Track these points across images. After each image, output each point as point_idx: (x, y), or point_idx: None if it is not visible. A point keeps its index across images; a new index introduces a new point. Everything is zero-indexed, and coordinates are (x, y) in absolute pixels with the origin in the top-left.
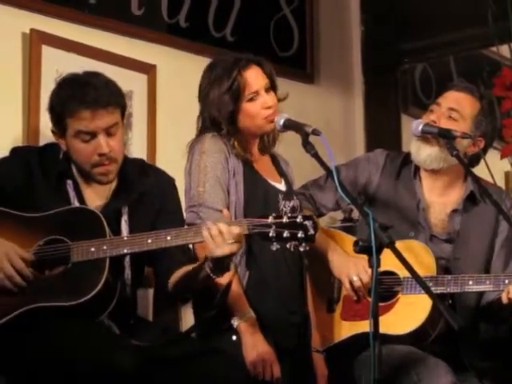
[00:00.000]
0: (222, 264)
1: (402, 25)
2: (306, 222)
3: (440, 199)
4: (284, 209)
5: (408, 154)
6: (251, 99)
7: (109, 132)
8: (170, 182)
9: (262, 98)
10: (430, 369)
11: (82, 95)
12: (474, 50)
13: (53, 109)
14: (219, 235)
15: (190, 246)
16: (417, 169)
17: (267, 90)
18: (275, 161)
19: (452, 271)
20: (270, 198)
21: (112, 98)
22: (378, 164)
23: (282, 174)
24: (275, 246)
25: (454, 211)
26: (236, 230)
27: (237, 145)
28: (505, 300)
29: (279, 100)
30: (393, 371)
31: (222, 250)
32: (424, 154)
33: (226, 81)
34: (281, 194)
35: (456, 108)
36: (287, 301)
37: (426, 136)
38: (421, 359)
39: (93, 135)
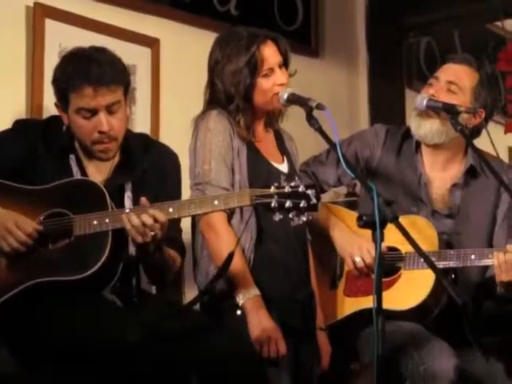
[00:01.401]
0: (146, 247)
1: None
2: (309, 192)
3: (441, 174)
4: None
5: (408, 129)
6: (266, 75)
7: (110, 110)
8: (173, 158)
9: (276, 75)
10: (433, 351)
11: (86, 71)
12: (478, 24)
13: (56, 82)
14: (141, 226)
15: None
16: (418, 144)
17: (280, 67)
18: (279, 137)
19: (454, 246)
20: (272, 181)
21: (115, 75)
22: (378, 139)
23: (285, 152)
24: (278, 217)
25: (454, 185)
26: (160, 216)
27: (242, 123)
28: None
29: (290, 76)
30: (396, 350)
31: (143, 238)
32: (425, 128)
33: (244, 55)
34: (283, 176)
35: (454, 81)
36: (293, 278)
37: (426, 111)
38: (425, 341)
39: (94, 112)
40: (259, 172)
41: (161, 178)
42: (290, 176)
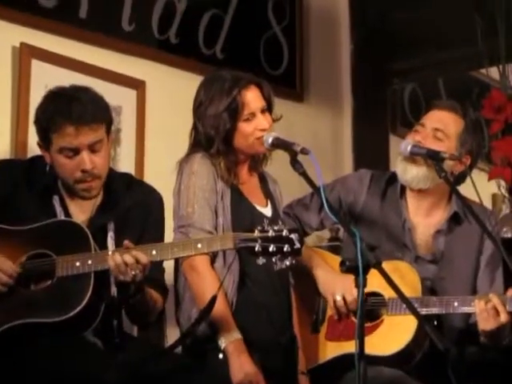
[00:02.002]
0: (127, 288)
1: (391, 44)
2: (292, 236)
3: (425, 220)
4: None
5: (393, 174)
6: (247, 119)
7: (93, 148)
8: (156, 196)
9: (258, 120)
10: None
11: (67, 111)
12: (463, 71)
13: (38, 122)
14: (123, 264)
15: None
16: (402, 188)
17: (263, 112)
18: (264, 180)
19: (438, 291)
20: (255, 224)
21: (97, 114)
22: (363, 184)
23: (269, 195)
24: (261, 261)
25: (438, 232)
26: (142, 257)
27: (223, 166)
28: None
29: (274, 121)
30: None
31: (124, 277)
32: (411, 174)
33: (226, 99)
34: (266, 220)
35: (440, 128)
36: (275, 321)
37: (412, 157)
38: None
39: (76, 151)
40: (242, 215)
41: (144, 217)
42: (273, 220)
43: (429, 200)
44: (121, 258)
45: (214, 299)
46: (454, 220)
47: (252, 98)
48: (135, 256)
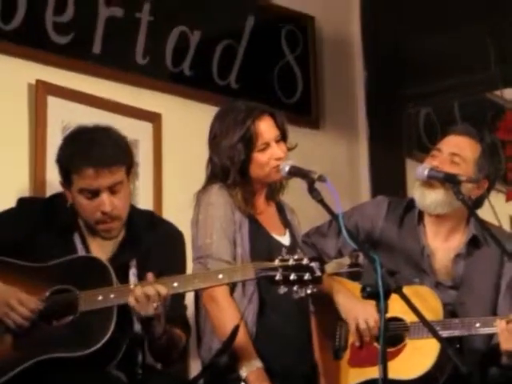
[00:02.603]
0: (150, 323)
1: (405, 70)
2: (313, 264)
3: (444, 245)
4: None
5: (411, 200)
6: (262, 149)
7: (113, 190)
8: (178, 236)
9: (273, 150)
10: None
11: (87, 153)
12: (477, 94)
13: (59, 162)
14: (143, 297)
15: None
16: (420, 214)
17: (278, 141)
18: (281, 209)
19: (459, 316)
20: (274, 254)
21: (117, 156)
22: (380, 211)
23: (287, 224)
24: (282, 290)
25: (457, 256)
26: (161, 289)
27: (240, 197)
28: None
29: (289, 149)
30: None
31: (145, 310)
32: (429, 199)
33: (239, 130)
34: (284, 249)
35: (457, 152)
36: (296, 350)
37: (430, 181)
38: None
39: (96, 193)
40: (260, 245)
41: (166, 256)
42: (291, 248)
43: (447, 225)
44: (142, 290)
45: (236, 329)
46: (473, 244)
47: (266, 128)
48: (155, 288)
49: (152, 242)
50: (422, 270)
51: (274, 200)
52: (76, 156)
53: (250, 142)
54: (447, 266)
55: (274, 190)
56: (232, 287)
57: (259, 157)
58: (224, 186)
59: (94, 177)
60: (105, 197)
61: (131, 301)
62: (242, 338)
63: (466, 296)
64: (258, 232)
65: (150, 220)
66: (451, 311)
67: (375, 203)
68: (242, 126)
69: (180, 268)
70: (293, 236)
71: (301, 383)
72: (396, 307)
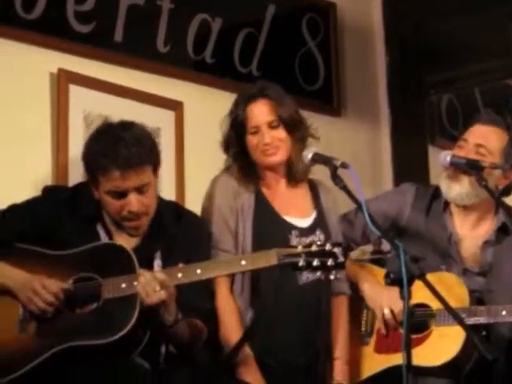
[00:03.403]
0: (157, 311)
1: (427, 56)
2: (336, 250)
3: (471, 233)
4: None
5: (438, 188)
6: (253, 133)
7: (140, 190)
8: (202, 226)
9: (261, 135)
10: None
11: (113, 154)
12: (499, 80)
13: (85, 161)
14: (147, 284)
15: None
16: (446, 203)
17: (274, 127)
18: (315, 191)
19: (486, 303)
20: (279, 235)
21: (143, 157)
22: (407, 198)
23: (317, 206)
24: (305, 276)
25: (486, 243)
26: (160, 275)
27: (240, 172)
28: None
29: (308, 137)
30: None
31: (150, 298)
32: (454, 191)
33: (235, 111)
34: (295, 231)
35: (483, 143)
36: (295, 341)
37: (455, 173)
38: None
39: (124, 194)
40: (265, 225)
41: (190, 247)
42: (308, 230)
43: (475, 214)
44: (143, 277)
45: (241, 341)
46: (502, 231)
47: (257, 112)
48: (156, 276)
49: (177, 233)
50: (450, 257)
51: (298, 182)
52: (102, 157)
53: (241, 124)
54: (475, 253)
55: (295, 175)
56: (232, 280)
57: (250, 139)
58: (230, 173)
59: (121, 178)
60: (132, 197)
61: (139, 288)
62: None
63: (494, 283)
64: (264, 212)
65: (174, 211)
66: (478, 298)
67: (402, 190)
68: (238, 108)
69: (204, 259)
70: (319, 218)
71: (298, 376)
72: (422, 294)
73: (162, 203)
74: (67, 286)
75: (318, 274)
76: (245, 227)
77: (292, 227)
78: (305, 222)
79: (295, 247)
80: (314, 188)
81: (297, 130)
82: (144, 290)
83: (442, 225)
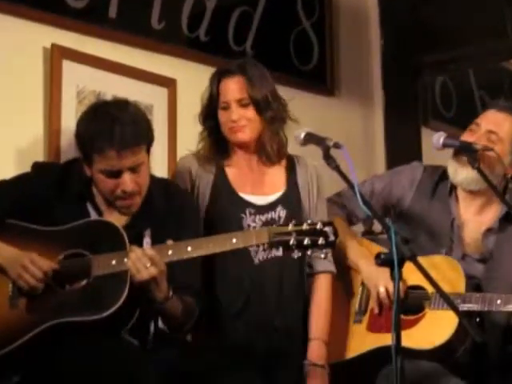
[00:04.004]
0: (147, 287)
1: (421, 38)
2: (326, 228)
3: (475, 218)
4: (252, 224)
5: (445, 171)
6: (223, 108)
7: (134, 170)
8: (192, 204)
9: (230, 111)
10: None
11: (109, 134)
12: (494, 62)
13: (79, 139)
14: (138, 260)
15: None
16: (453, 186)
17: (244, 105)
18: (291, 167)
19: (484, 291)
20: (233, 213)
21: (138, 136)
22: (414, 178)
23: (290, 182)
24: (296, 254)
25: (489, 230)
26: (150, 252)
27: (207, 146)
28: None
29: (274, 120)
30: None
31: (140, 275)
32: (461, 176)
33: (210, 84)
34: (250, 208)
35: (495, 130)
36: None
37: (461, 157)
38: (443, 380)
39: (118, 173)
40: (220, 202)
41: (180, 226)
42: (267, 207)
43: (480, 200)
44: (134, 254)
45: None
46: (506, 219)
47: (229, 87)
48: (146, 252)
49: (167, 211)
50: (451, 241)
51: (272, 161)
52: (98, 137)
53: (214, 97)
54: (477, 239)
55: (269, 155)
56: None
57: (221, 114)
58: (194, 152)
59: (117, 158)
60: (126, 176)
61: (129, 264)
62: None
63: (493, 271)
64: (222, 190)
65: (165, 189)
66: (477, 284)
67: (410, 169)
68: (213, 81)
69: (194, 237)
70: (286, 194)
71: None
72: (418, 276)
73: (153, 181)
74: (57, 262)
75: (308, 252)
76: (201, 205)
77: (248, 205)
78: (265, 200)
79: (286, 226)
80: (291, 164)
81: (268, 111)
82: (134, 266)
83: (446, 208)
